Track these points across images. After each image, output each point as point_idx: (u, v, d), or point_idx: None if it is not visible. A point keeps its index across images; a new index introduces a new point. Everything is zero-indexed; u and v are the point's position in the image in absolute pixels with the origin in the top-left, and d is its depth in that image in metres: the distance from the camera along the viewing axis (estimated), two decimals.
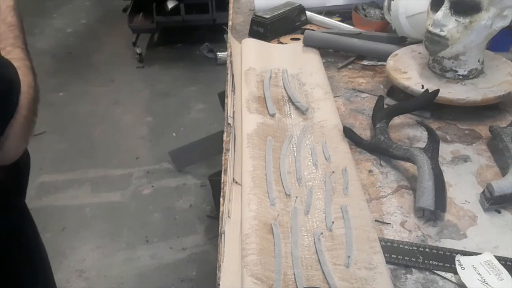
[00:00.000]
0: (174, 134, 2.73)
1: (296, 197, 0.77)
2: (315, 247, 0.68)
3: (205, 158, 2.45)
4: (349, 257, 0.66)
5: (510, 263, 0.66)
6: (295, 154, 0.87)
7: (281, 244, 0.69)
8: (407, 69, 1.05)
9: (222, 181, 0.83)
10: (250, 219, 0.72)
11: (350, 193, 0.77)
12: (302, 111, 0.98)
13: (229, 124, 0.96)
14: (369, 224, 0.71)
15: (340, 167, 0.82)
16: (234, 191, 0.78)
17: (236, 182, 0.80)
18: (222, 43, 3.30)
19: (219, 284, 0.65)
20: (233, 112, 0.98)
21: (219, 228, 0.74)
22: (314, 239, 0.70)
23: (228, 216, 0.74)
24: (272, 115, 0.97)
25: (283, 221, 0.73)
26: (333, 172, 0.82)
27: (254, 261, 0.65)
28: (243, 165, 0.83)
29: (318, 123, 0.95)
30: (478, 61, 1.01)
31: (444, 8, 0.95)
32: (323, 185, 0.80)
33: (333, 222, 0.72)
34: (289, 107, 1.00)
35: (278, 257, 0.67)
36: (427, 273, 0.66)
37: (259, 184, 0.79)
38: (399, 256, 0.68)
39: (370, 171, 0.85)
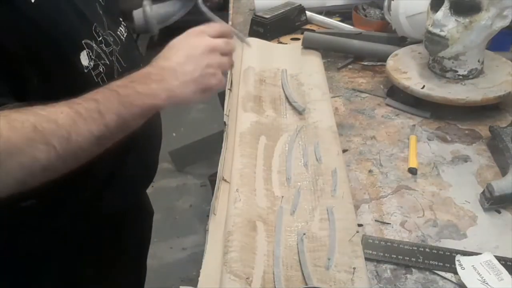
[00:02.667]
0: (174, 134, 2.73)
1: (282, 196, 0.77)
2: (297, 248, 0.68)
3: (205, 158, 2.45)
4: (329, 259, 0.66)
5: (510, 263, 0.66)
6: (287, 153, 0.87)
7: (264, 242, 0.69)
8: (407, 69, 1.05)
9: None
10: (234, 216, 0.72)
11: (338, 195, 0.77)
12: (298, 111, 0.97)
13: (224, 122, 0.96)
14: (354, 228, 0.71)
15: (331, 168, 0.82)
16: (222, 189, 0.78)
17: (225, 180, 0.80)
18: None
19: None
20: (228, 111, 0.98)
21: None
22: (297, 239, 0.70)
23: (214, 214, 0.74)
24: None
25: (268, 220, 0.73)
26: (323, 173, 0.81)
27: (235, 258, 0.65)
28: (233, 163, 0.83)
29: (312, 123, 0.94)
30: (478, 61, 1.01)
31: (444, 8, 0.95)
32: (312, 186, 0.79)
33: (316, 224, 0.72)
34: (286, 107, 1.00)
35: (260, 255, 0.67)
36: (427, 273, 0.66)
37: (247, 182, 0.79)
38: (399, 256, 0.68)
39: (370, 171, 0.85)
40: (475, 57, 1.00)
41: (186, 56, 0.64)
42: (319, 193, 0.78)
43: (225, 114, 0.97)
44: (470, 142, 0.92)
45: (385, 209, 0.77)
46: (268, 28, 1.28)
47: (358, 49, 1.20)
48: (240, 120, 0.94)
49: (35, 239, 0.76)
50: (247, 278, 0.63)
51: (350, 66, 1.19)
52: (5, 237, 0.74)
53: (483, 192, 0.77)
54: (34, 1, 0.57)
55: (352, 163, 0.87)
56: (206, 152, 2.41)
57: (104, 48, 0.68)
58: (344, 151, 0.89)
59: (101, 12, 0.72)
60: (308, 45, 1.22)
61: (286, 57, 1.19)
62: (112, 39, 0.70)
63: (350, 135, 0.94)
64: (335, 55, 1.23)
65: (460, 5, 0.93)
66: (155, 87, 0.61)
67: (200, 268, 0.67)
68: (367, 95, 1.07)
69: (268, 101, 1.02)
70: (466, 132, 0.95)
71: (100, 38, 0.67)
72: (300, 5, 1.36)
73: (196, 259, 1.28)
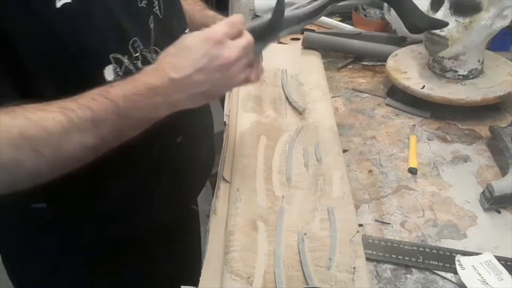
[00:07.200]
0: None
1: (283, 196, 0.77)
2: (298, 248, 0.68)
3: None
4: (330, 259, 0.66)
5: (510, 263, 0.66)
6: (287, 154, 0.87)
7: (265, 242, 0.69)
8: (407, 69, 1.05)
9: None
10: (235, 216, 0.72)
11: (338, 195, 0.77)
12: (298, 111, 0.97)
13: (224, 122, 0.96)
14: (354, 228, 0.71)
15: (331, 169, 0.82)
16: (222, 189, 0.78)
17: (225, 180, 0.80)
18: None
19: None
20: (229, 111, 0.98)
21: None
22: (298, 239, 0.70)
23: (214, 213, 0.74)
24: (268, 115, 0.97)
25: (268, 220, 0.73)
26: (324, 174, 0.81)
27: (236, 258, 0.65)
28: (234, 163, 0.83)
29: (312, 123, 0.94)
30: (478, 61, 1.01)
31: (444, 8, 0.95)
32: (312, 186, 0.79)
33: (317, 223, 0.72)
34: (286, 107, 1.00)
35: (261, 254, 0.67)
36: (427, 273, 0.66)
37: (248, 182, 0.79)
38: (399, 256, 0.68)
39: (370, 171, 0.85)
40: (475, 57, 1.00)
41: (199, 68, 0.57)
42: (319, 193, 0.78)
43: (225, 114, 0.97)
44: (470, 142, 0.92)
45: (385, 209, 0.77)
46: None
47: (358, 49, 1.20)
48: (240, 120, 0.94)
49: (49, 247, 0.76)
50: (248, 278, 0.63)
51: (350, 66, 1.19)
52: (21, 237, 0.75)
53: (483, 192, 0.77)
54: (60, 7, 0.53)
55: (352, 163, 0.87)
56: None
57: (140, 65, 0.63)
58: (344, 151, 0.89)
59: (152, 26, 0.66)
60: (308, 45, 1.22)
61: (286, 57, 1.19)
62: (155, 56, 0.65)
63: (350, 135, 0.94)
64: (335, 55, 1.23)
65: (460, 5, 0.93)
66: (159, 101, 0.57)
67: (201, 268, 0.67)
68: (367, 95, 1.07)
69: (268, 101, 1.02)
70: (466, 132, 0.95)
71: (137, 54, 0.63)
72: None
73: None
